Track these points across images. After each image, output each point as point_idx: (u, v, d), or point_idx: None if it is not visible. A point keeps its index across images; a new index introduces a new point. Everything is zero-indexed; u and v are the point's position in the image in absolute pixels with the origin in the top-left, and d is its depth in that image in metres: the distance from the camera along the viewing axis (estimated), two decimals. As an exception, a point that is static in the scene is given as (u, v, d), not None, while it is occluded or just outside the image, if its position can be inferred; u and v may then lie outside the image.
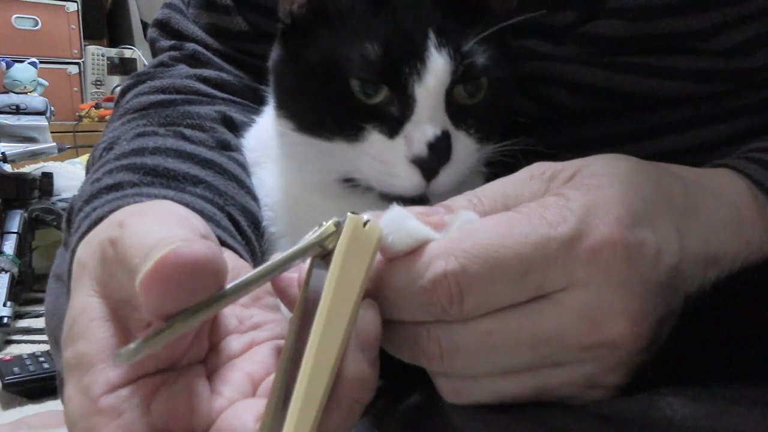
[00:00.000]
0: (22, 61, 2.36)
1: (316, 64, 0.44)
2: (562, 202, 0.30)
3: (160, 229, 0.29)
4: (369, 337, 0.29)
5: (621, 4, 0.48)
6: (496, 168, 0.48)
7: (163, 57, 0.59)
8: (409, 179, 0.42)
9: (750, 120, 0.52)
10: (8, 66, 2.32)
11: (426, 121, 0.41)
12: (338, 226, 0.29)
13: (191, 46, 0.59)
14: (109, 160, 0.46)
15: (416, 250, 0.30)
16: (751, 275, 0.34)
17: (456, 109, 0.42)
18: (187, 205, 0.40)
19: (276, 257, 0.29)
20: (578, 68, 0.52)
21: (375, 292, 0.31)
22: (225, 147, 0.51)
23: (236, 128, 0.54)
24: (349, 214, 0.29)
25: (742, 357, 0.33)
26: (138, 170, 0.43)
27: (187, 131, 0.49)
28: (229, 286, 0.27)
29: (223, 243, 0.40)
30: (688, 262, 0.32)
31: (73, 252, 0.37)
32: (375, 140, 0.42)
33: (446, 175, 0.41)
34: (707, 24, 0.48)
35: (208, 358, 0.32)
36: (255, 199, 0.49)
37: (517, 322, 0.30)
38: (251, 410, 0.28)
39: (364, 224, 0.29)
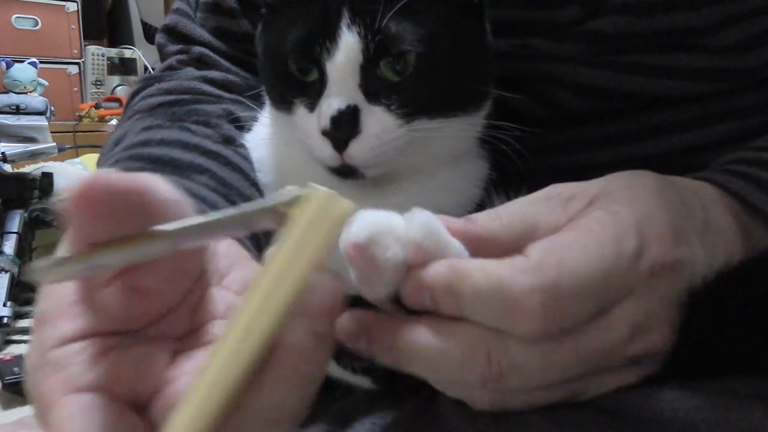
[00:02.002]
0: (22, 61, 2.36)
1: (271, 46, 0.48)
2: (615, 219, 0.32)
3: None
4: (321, 309, 0.27)
5: (621, 0, 0.48)
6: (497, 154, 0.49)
7: (171, 61, 0.60)
8: (324, 150, 0.44)
9: (752, 119, 0.52)
10: (8, 66, 2.32)
11: (333, 96, 0.43)
12: (303, 195, 0.28)
13: (198, 49, 0.60)
14: (117, 152, 0.46)
15: (496, 264, 0.30)
16: (750, 269, 0.35)
17: (378, 85, 0.43)
18: (190, 191, 0.40)
19: (230, 210, 0.27)
20: (581, 69, 0.53)
21: (455, 289, 0.30)
22: (230, 142, 0.52)
23: (242, 126, 0.55)
24: (323, 188, 0.28)
25: (744, 350, 0.34)
26: (144, 159, 0.44)
27: (193, 126, 0.50)
28: (164, 227, 0.25)
29: None
30: (712, 268, 0.34)
31: None
32: (301, 114, 0.46)
33: (356, 148, 0.43)
34: (709, 21, 0.48)
35: (186, 338, 0.31)
36: (260, 191, 0.50)
37: (577, 339, 0.30)
38: (189, 368, 0.28)
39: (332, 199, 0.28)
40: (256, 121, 0.54)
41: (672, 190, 0.35)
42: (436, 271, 0.30)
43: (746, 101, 0.52)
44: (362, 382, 0.42)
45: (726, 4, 0.47)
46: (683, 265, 0.32)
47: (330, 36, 0.43)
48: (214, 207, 0.42)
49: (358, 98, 0.43)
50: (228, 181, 0.46)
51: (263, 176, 0.51)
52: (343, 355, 0.40)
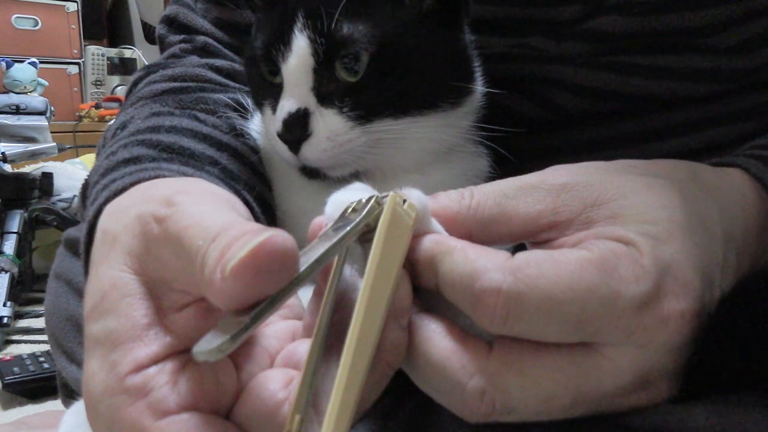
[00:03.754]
0: (22, 61, 2.36)
1: (250, 48, 0.49)
2: (635, 255, 0.29)
3: (216, 212, 0.29)
4: (403, 305, 0.29)
5: None
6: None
7: (174, 49, 0.60)
8: (282, 151, 0.45)
9: (754, 121, 0.51)
10: (8, 66, 2.32)
11: (285, 99, 0.44)
12: (379, 203, 0.29)
13: (202, 38, 0.60)
14: (124, 137, 0.45)
15: (479, 253, 0.29)
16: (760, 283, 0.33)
17: (331, 88, 0.44)
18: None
19: (331, 239, 0.28)
20: (580, 70, 0.52)
21: (429, 265, 0.30)
22: (238, 133, 0.51)
23: (249, 115, 0.54)
24: (391, 192, 0.29)
25: (755, 364, 0.32)
26: (155, 146, 0.43)
27: (201, 115, 0.50)
28: (300, 271, 0.27)
29: None
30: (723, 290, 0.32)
31: (91, 224, 0.37)
32: (267, 115, 0.47)
33: (308, 150, 0.44)
34: (710, 21, 0.48)
35: None
36: (267, 184, 0.50)
37: (573, 384, 0.28)
38: (276, 379, 0.28)
39: (403, 202, 0.29)
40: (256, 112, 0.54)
41: (693, 210, 0.31)
42: (422, 243, 0.30)
43: (746, 103, 0.52)
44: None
45: (727, 5, 0.47)
46: (704, 311, 0.29)
47: (285, 40, 0.44)
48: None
49: (309, 101, 0.44)
50: (237, 174, 0.46)
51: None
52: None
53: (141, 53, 2.95)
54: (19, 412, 1.19)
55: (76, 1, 2.76)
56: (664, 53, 0.50)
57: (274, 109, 0.46)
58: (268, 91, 0.47)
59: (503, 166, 0.49)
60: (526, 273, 0.28)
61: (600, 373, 0.28)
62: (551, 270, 0.28)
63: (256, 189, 0.46)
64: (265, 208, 0.47)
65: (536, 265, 0.28)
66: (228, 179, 0.44)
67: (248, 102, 0.53)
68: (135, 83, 0.57)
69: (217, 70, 0.57)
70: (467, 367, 0.29)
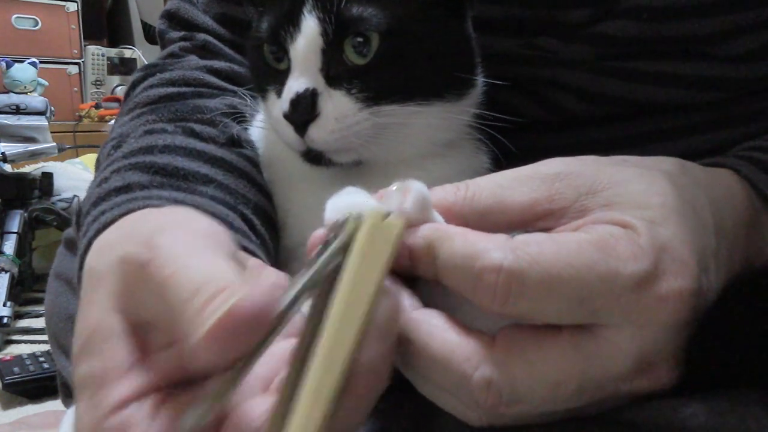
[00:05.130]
0: (22, 61, 2.35)
1: (253, 37, 0.48)
2: (633, 236, 0.29)
3: (197, 257, 0.29)
4: (388, 326, 0.28)
5: (635, 3, 0.48)
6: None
7: (173, 48, 0.59)
8: (288, 134, 0.44)
9: (757, 126, 0.51)
10: (8, 66, 2.32)
11: (293, 80, 0.44)
12: (358, 220, 0.28)
13: (202, 36, 0.59)
14: (118, 159, 0.45)
15: (478, 235, 0.30)
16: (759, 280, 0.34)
17: (340, 69, 0.43)
18: (198, 208, 0.40)
19: (307, 273, 0.28)
20: (587, 75, 0.52)
21: (434, 250, 0.30)
22: (234, 142, 0.51)
23: (245, 120, 0.54)
24: (370, 208, 0.29)
25: (754, 362, 0.32)
26: (147, 170, 0.43)
27: (198, 126, 0.49)
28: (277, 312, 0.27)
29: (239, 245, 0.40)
30: (719, 285, 0.32)
31: (82, 258, 0.37)
32: (271, 100, 0.47)
33: (315, 131, 0.43)
34: (719, 28, 0.48)
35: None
36: (267, 196, 0.49)
37: (578, 369, 0.29)
38: (258, 407, 0.28)
39: (386, 216, 0.28)
40: (257, 113, 0.53)
41: (688, 199, 0.32)
42: (420, 230, 0.30)
43: (751, 108, 0.52)
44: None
45: (735, 13, 0.47)
46: (702, 293, 0.30)
47: (294, 21, 0.43)
48: (223, 220, 0.41)
49: (318, 82, 0.43)
50: (234, 188, 0.46)
51: (265, 173, 0.51)
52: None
53: (141, 53, 2.95)
54: (19, 412, 1.19)
55: (76, 1, 2.76)
56: (671, 60, 0.50)
57: (279, 93, 0.45)
58: (273, 77, 0.46)
59: (503, 166, 0.49)
60: (527, 251, 0.28)
61: (603, 357, 0.29)
62: (551, 248, 0.28)
63: (252, 201, 0.46)
64: (264, 218, 0.47)
65: (536, 244, 0.28)
66: (225, 195, 0.44)
67: (248, 103, 0.53)
68: (134, 85, 0.56)
69: (216, 72, 0.57)
70: (472, 358, 0.29)
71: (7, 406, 1.22)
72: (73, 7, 2.74)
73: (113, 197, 0.41)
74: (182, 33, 0.59)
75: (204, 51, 0.58)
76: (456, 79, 0.47)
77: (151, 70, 0.56)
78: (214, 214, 0.41)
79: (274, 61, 0.46)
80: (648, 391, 0.30)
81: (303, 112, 0.43)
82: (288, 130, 0.44)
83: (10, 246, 1.62)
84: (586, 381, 0.29)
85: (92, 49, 2.87)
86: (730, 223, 0.35)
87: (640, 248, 0.29)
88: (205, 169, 0.45)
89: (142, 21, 3.04)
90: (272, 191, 0.50)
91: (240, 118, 0.52)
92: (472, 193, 0.32)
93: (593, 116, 0.54)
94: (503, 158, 0.48)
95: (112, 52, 2.96)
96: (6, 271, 1.56)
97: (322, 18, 0.42)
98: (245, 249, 0.40)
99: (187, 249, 0.30)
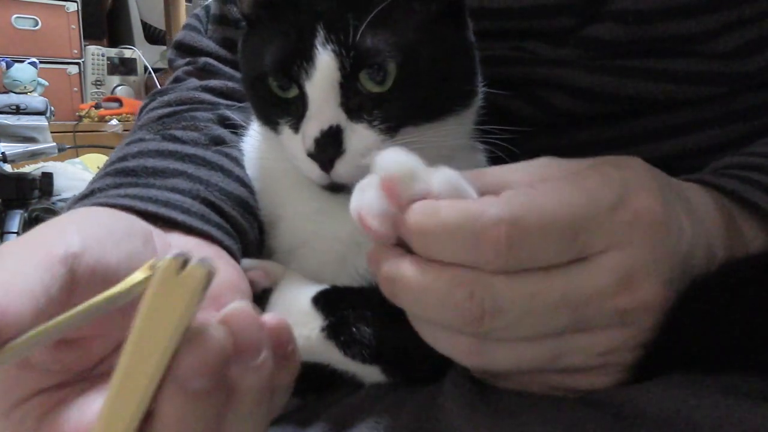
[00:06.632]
0: (22, 61, 2.36)
1: (251, 63, 0.47)
2: (600, 174, 0.33)
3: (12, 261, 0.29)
4: (191, 367, 0.27)
5: (620, 7, 0.48)
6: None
7: (179, 72, 0.62)
8: (312, 171, 0.43)
9: (749, 123, 0.52)
10: (8, 66, 2.32)
11: (314, 118, 0.42)
12: (153, 269, 0.28)
13: (203, 59, 0.61)
14: (99, 174, 0.47)
15: (466, 201, 0.31)
16: (751, 266, 0.35)
17: (359, 101, 0.42)
18: (150, 199, 0.41)
19: (82, 306, 0.27)
20: (578, 72, 0.52)
21: (424, 229, 0.31)
22: (218, 143, 0.51)
23: (236, 129, 0.55)
24: (165, 258, 0.27)
25: (742, 347, 0.33)
26: (116, 174, 0.44)
27: (179, 132, 0.50)
28: (23, 337, 0.26)
29: (191, 229, 0.41)
30: (697, 253, 0.34)
31: None
32: (286, 134, 0.45)
33: (342, 167, 0.42)
34: (706, 27, 0.48)
35: None
36: (245, 184, 0.50)
37: (559, 282, 0.31)
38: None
39: (184, 264, 0.27)
40: (249, 125, 0.54)
41: (661, 175, 0.36)
42: (411, 209, 0.32)
43: (742, 105, 0.52)
44: (370, 372, 0.41)
45: (723, 11, 0.47)
46: (670, 225, 0.32)
47: (306, 55, 0.42)
48: (175, 207, 0.42)
49: (339, 117, 0.42)
50: (205, 179, 0.46)
51: (256, 184, 0.51)
52: (351, 344, 0.39)
53: (141, 53, 2.95)
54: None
55: (76, 1, 2.76)
56: (661, 57, 0.51)
57: (295, 128, 0.44)
58: (282, 109, 0.45)
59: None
60: (519, 201, 0.30)
61: (585, 275, 0.31)
62: (538, 195, 0.31)
63: (221, 188, 0.46)
64: (237, 202, 0.47)
65: (524, 194, 0.31)
66: (192, 185, 0.45)
67: (237, 118, 0.53)
68: (140, 111, 0.59)
69: (211, 90, 0.58)
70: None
71: (8, 406, 1.21)
72: (73, 7, 2.74)
73: (76, 205, 0.42)
74: (187, 59, 0.62)
75: (203, 72, 0.60)
76: (465, 91, 0.47)
77: (155, 95, 0.59)
78: (167, 203, 0.41)
79: (280, 90, 0.44)
80: (633, 309, 0.32)
81: (330, 150, 0.42)
82: (312, 167, 0.43)
83: (10, 246, 1.62)
84: (570, 293, 0.31)
85: (92, 49, 2.87)
86: (708, 217, 0.37)
87: (610, 179, 0.32)
88: (176, 165, 0.46)
89: (142, 21, 3.04)
90: (263, 199, 0.50)
91: (231, 128, 0.53)
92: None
93: (588, 115, 0.54)
94: (502, 159, 0.48)
95: (112, 52, 2.96)
96: (6, 271, 1.56)
97: (338, 52, 0.41)
98: (200, 232, 0.41)
99: (9, 251, 0.30)
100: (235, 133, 0.53)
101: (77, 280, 0.29)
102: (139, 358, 0.26)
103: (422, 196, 0.32)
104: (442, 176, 0.32)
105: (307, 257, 0.47)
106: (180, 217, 0.41)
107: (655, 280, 0.32)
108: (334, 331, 0.40)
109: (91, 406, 0.30)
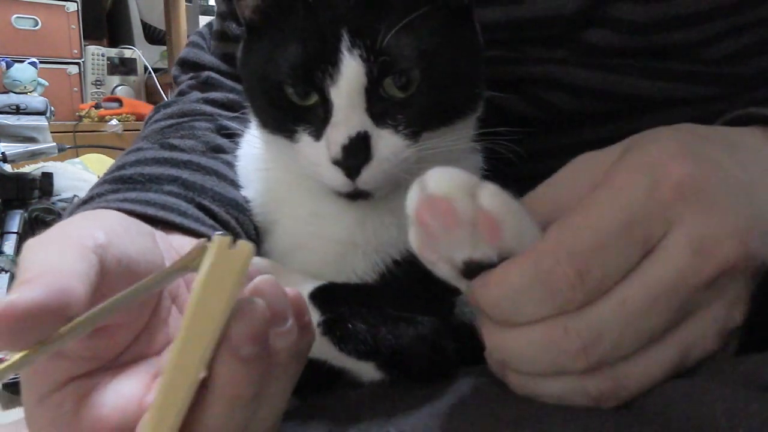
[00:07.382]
0: (22, 61, 2.36)
1: (260, 70, 0.45)
2: (625, 167, 0.33)
3: (46, 252, 0.31)
4: (241, 334, 0.29)
5: (614, 16, 0.49)
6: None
7: (182, 86, 0.64)
8: (336, 179, 0.43)
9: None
10: (8, 66, 2.32)
11: (341, 124, 0.42)
12: (205, 247, 0.30)
13: (206, 73, 0.63)
14: (97, 182, 0.48)
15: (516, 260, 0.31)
16: None
17: (383, 107, 0.42)
18: (148, 202, 0.42)
19: (140, 282, 0.30)
20: (576, 70, 0.53)
21: (493, 301, 0.32)
22: (216, 150, 0.52)
23: (233, 137, 0.55)
24: (215, 235, 0.30)
25: None
26: (116, 181, 0.45)
27: (177, 141, 0.51)
28: (82, 317, 0.28)
29: (189, 231, 0.42)
30: (763, 190, 0.33)
31: None
32: (305, 142, 0.44)
33: (369, 174, 0.42)
34: (700, 37, 0.49)
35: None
36: (239, 188, 0.51)
37: (640, 280, 0.31)
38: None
39: (234, 242, 0.30)
40: (244, 133, 0.54)
41: (690, 133, 0.35)
42: (474, 288, 0.32)
43: (740, 104, 0.51)
44: (366, 369, 0.41)
45: (715, 21, 0.48)
46: (714, 181, 0.32)
47: (331, 61, 0.41)
48: (172, 209, 0.43)
49: (366, 123, 0.42)
50: (200, 184, 0.47)
51: (260, 218, 0.51)
52: (347, 340, 0.39)
53: (141, 53, 2.95)
54: (19, 413, 1.18)
55: (76, 1, 2.76)
56: (658, 59, 0.51)
57: (316, 135, 0.43)
58: (299, 116, 0.44)
59: (498, 168, 0.49)
60: (567, 233, 0.31)
61: (668, 263, 0.31)
62: (580, 218, 0.31)
63: (215, 192, 0.48)
64: (231, 205, 0.48)
65: (568, 225, 0.31)
66: (186, 190, 0.46)
67: (236, 126, 0.54)
68: (145, 123, 0.60)
69: (212, 102, 0.59)
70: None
71: (7, 406, 1.22)
72: (73, 7, 2.74)
73: (75, 211, 0.43)
74: (191, 74, 0.64)
75: (205, 85, 0.62)
76: (476, 94, 0.47)
77: (159, 108, 0.60)
78: (164, 206, 0.43)
79: (296, 97, 0.43)
80: (719, 274, 0.31)
81: (359, 157, 0.42)
82: (336, 174, 0.42)
83: (10, 246, 1.61)
84: (654, 287, 0.30)
85: (92, 49, 2.87)
86: (754, 147, 0.36)
87: (634, 165, 0.32)
88: (171, 171, 0.47)
89: (142, 21, 3.04)
90: (259, 204, 0.50)
91: (229, 137, 0.54)
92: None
93: (585, 114, 0.54)
94: (501, 160, 0.48)
95: (112, 52, 2.96)
96: (6, 271, 1.55)
97: (365, 57, 0.41)
98: (196, 232, 0.43)
99: (43, 243, 0.32)
100: (233, 141, 0.54)
101: (106, 270, 0.31)
102: (198, 326, 0.28)
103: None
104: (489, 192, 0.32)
105: (304, 259, 0.47)
106: (177, 219, 0.42)
107: (729, 240, 0.31)
108: (330, 326, 0.40)
109: (126, 390, 0.31)
